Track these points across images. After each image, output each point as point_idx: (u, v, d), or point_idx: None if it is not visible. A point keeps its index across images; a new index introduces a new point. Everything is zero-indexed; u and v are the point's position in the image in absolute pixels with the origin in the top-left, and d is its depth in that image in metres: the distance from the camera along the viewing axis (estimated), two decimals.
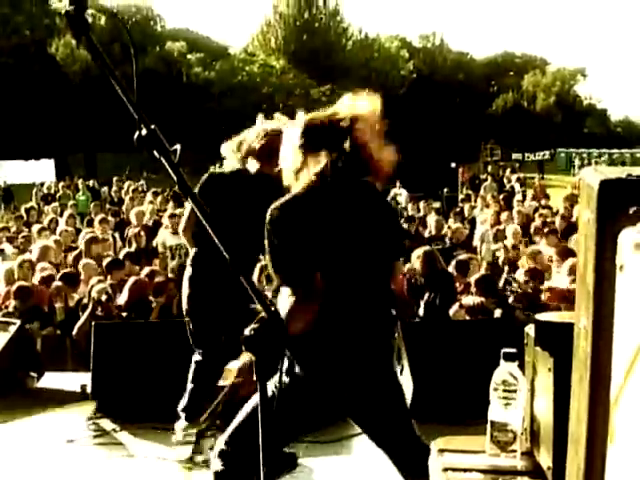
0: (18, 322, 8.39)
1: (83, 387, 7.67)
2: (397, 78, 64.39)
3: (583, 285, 1.68)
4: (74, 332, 8.92)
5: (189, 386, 6.60)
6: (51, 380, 8.18)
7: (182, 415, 6.66)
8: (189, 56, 60.62)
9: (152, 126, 2.40)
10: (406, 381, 7.50)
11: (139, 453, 6.56)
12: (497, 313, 8.45)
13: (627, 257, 1.47)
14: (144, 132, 2.40)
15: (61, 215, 18.92)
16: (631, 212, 1.55)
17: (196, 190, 5.69)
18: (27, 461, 6.25)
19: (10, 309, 9.73)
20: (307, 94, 57.74)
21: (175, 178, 2.43)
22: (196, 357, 6.54)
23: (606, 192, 1.59)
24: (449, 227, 16.12)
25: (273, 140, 5.16)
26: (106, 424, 7.13)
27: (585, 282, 1.66)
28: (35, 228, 16.15)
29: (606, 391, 1.57)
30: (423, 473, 3.25)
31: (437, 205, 23.29)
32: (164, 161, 2.42)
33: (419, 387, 7.36)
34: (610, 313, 1.54)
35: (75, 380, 7.86)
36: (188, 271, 6.44)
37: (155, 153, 2.41)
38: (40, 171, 40.18)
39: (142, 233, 14.31)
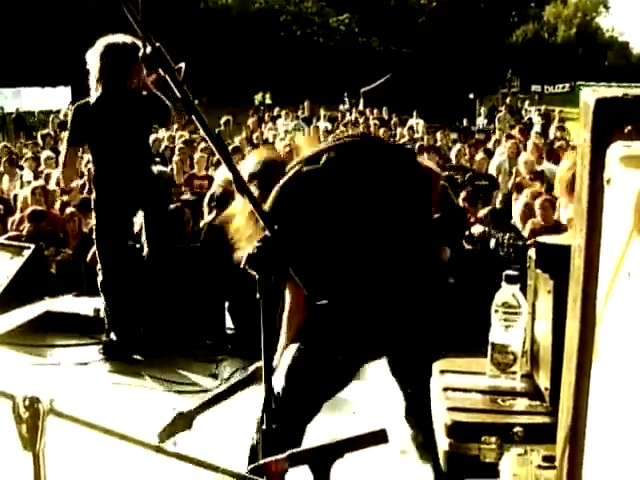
0: (32, 246, 8.44)
1: (96, 311, 7.73)
2: (416, 6, 63.61)
3: (579, 204, 1.69)
4: (88, 258, 8.98)
5: None
6: (65, 304, 8.24)
7: None
8: None
9: (157, 44, 2.41)
10: None
11: (150, 379, 6.65)
12: (492, 243, 8.43)
13: (614, 171, 1.47)
14: (149, 50, 2.41)
15: None
16: (626, 131, 1.55)
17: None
18: (39, 382, 6.33)
19: (24, 233, 9.80)
20: (325, 23, 57.20)
21: (179, 96, 2.43)
22: None
23: (602, 111, 1.59)
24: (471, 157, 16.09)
25: None
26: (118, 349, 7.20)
27: (581, 201, 1.67)
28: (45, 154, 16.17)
29: (595, 309, 1.58)
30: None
31: (454, 136, 23.15)
32: (169, 79, 2.43)
33: None
34: (599, 230, 1.55)
35: (89, 304, 7.91)
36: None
37: (160, 71, 2.42)
38: (56, 98, 40.06)
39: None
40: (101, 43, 6.77)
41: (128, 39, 6.67)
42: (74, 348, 7.30)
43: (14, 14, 46.26)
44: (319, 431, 4.68)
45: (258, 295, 2.73)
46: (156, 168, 7.61)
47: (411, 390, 4.33)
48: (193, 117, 2.47)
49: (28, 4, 47.27)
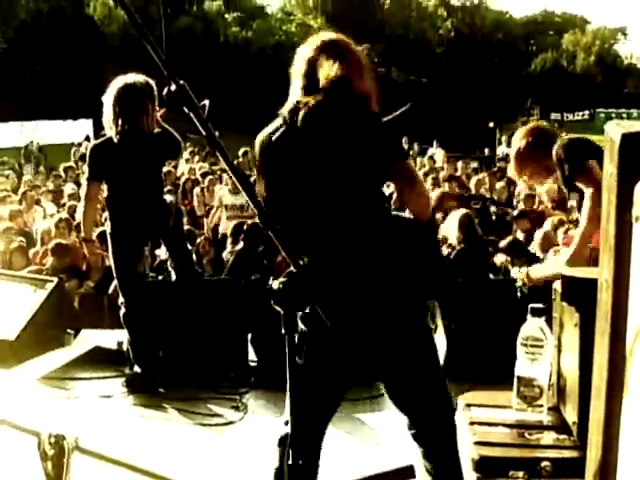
0: (55, 279, 8.46)
1: (119, 344, 7.73)
2: (435, 37, 63.87)
3: (606, 238, 1.68)
4: (110, 290, 9.01)
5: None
6: (88, 337, 8.25)
7: None
8: (226, 15, 60.40)
9: (181, 82, 2.42)
10: (440, 340, 7.53)
11: (173, 411, 6.65)
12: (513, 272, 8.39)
13: None
14: (173, 88, 2.42)
15: None
16: None
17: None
18: (61, 416, 6.33)
19: (47, 266, 9.85)
20: None
21: (204, 133, 2.45)
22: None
23: (628, 145, 1.59)
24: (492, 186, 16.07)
25: None
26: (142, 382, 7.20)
27: (608, 235, 1.67)
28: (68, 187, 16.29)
29: (624, 344, 1.58)
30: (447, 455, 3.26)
31: (475, 165, 23.15)
32: (193, 117, 2.44)
33: (453, 346, 7.37)
34: (628, 265, 1.54)
35: (111, 337, 7.92)
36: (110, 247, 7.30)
37: (184, 109, 2.43)
38: (78, 131, 40.28)
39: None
40: (115, 85, 6.95)
41: (141, 78, 6.95)
42: (98, 381, 7.30)
43: (35, 48, 46.72)
44: (344, 464, 4.67)
45: (283, 331, 2.72)
46: (168, 197, 7.79)
47: (416, 426, 3.70)
48: (217, 153, 2.49)
49: (49, 38, 47.73)
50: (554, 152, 5.03)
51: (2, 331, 7.72)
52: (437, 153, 24.56)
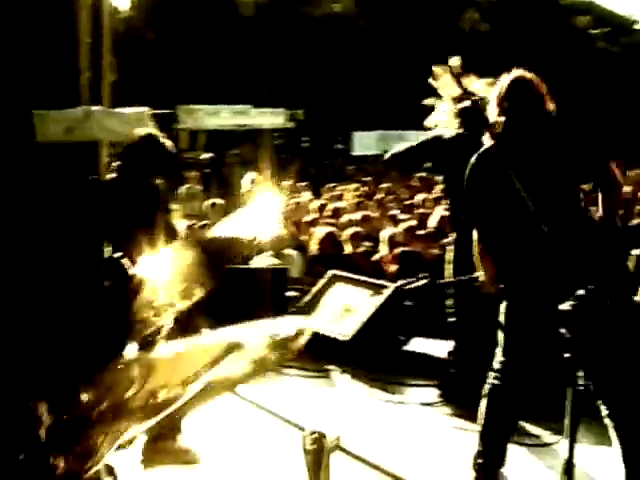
0: (393, 286, 8.67)
1: (449, 354, 7.73)
2: None
3: None
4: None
5: None
6: (419, 345, 8.38)
7: None
8: (593, 30, 58.84)
9: (474, 98, 2.47)
10: None
11: None
12: None
13: None
14: (467, 104, 2.48)
15: None
16: None
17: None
18: (386, 419, 6.49)
19: (389, 271, 10.10)
20: None
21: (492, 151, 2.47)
22: None
23: None
24: None
25: None
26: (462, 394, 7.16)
27: None
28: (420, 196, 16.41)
29: None
30: None
31: None
32: (486, 134, 2.47)
33: None
34: None
35: (441, 347, 7.94)
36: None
37: (475, 125, 2.48)
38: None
39: None
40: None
41: None
42: (420, 388, 7.43)
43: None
44: None
45: (568, 355, 2.67)
46: None
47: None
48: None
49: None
50: None
51: (340, 330, 8.12)
52: None
